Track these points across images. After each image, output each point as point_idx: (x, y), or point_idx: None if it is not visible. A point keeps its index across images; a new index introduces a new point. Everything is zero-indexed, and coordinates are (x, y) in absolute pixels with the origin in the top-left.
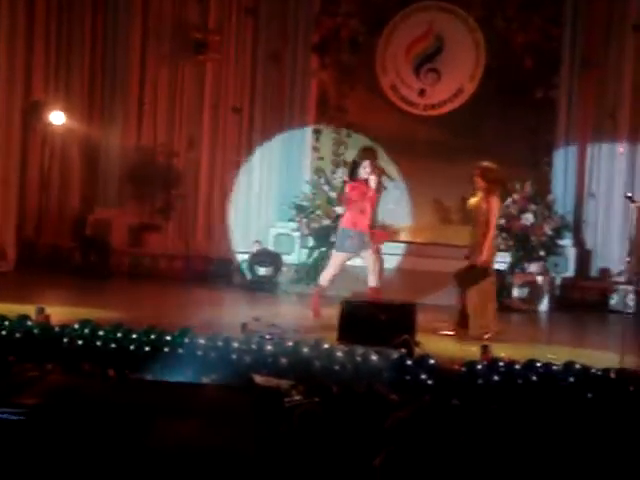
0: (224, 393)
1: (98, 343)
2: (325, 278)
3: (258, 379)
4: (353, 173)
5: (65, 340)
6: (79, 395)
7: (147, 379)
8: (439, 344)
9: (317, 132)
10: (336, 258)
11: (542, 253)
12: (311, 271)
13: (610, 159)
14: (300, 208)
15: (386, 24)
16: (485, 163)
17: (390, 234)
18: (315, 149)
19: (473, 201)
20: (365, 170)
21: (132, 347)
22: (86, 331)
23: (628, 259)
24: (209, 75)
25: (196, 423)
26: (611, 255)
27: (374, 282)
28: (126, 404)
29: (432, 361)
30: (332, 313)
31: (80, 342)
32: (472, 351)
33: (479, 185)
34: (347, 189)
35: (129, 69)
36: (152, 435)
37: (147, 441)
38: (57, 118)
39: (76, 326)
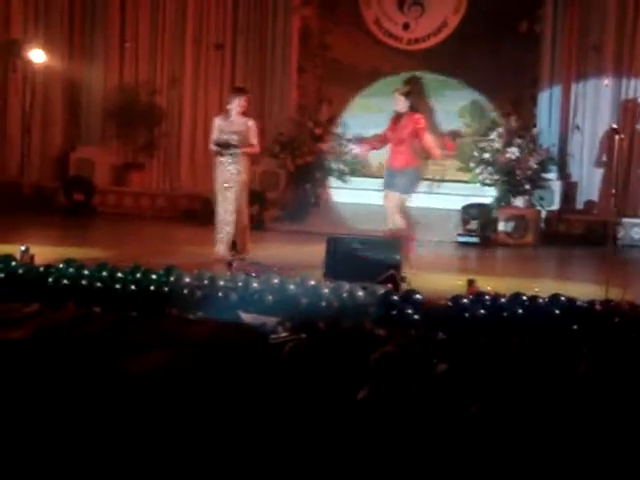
0: (206, 329)
1: (83, 282)
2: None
3: (245, 317)
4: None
5: (50, 280)
6: (61, 330)
7: (129, 314)
8: (425, 279)
9: (300, 69)
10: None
11: (527, 187)
12: (296, 207)
13: (595, 92)
14: (284, 145)
15: None
16: None
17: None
18: (299, 86)
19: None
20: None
21: (118, 286)
22: (71, 270)
23: (614, 191)
24: (190, 11)
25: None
26: (596, 188)
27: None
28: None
29: (418, 296)
30: (317, 250)
31: (65, 281)
32: (458, 285)
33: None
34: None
35: (109, 5)
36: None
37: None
38: (37, 56)
39: (61, 265)
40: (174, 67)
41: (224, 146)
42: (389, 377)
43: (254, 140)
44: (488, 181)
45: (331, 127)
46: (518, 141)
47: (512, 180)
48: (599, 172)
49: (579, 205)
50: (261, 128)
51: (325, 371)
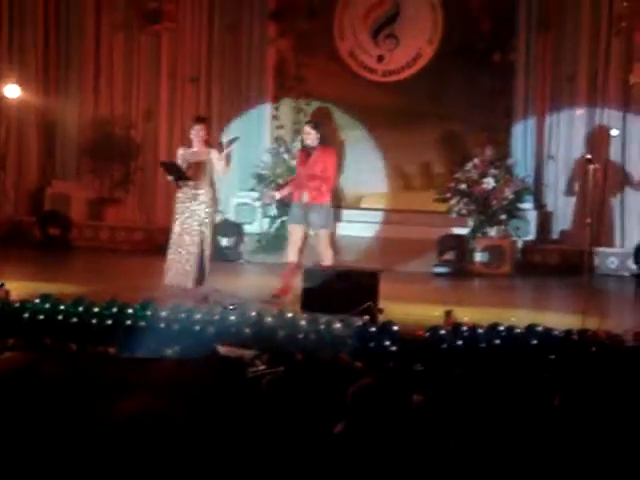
0: (179, 367)
1: (59, 317)
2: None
3: (222, 350)
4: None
5: (26, 315)
6: (33, 372)
7: (103, 354)
8: (402, 310)
9: (276, 101)
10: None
11: (503, 217)
12: (273, 241)
13: (569, 122)
14: (261, 177)
15: None
16: None
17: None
18: (275, 118)
19: None
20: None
21: (94, 321)
22: (47, 306)
23: (589, 220)
24: (165, 44)
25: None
26: (571, 217)
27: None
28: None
29: (395, 327)
30: (295, 282)
31: (41, 317)
32: (435, 316)
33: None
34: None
35: (84, 40)
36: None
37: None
38: (12, 91)
39: (37, 301)
40: (149, 100)
41: (177, 172)
42: (366, 410)
43: (216, 173)
44: (464, 211)
45: None
46: (493, 171)
47: (488, 210)
48: (574, 201)
49: (555, 235)
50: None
51: (302, 404)
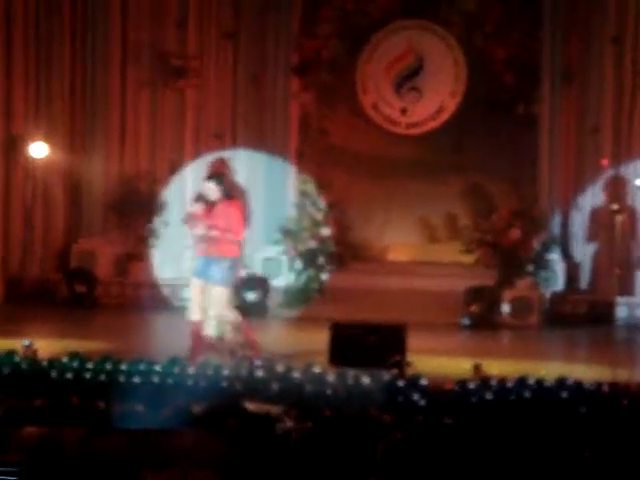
0: (198, 437)
1: (87, 376)
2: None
3: (249, 406)
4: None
5: (53, 374)
6: (59, 448)
7: (124, 429)
8: (431, 364)
9: (300, 154)
10: None
11: (530, 268)
12: (299, 294)
13: (594, 172)
14: (286, 231)
15: (366, 44)
16: None
17: None
18: (298, 172)
19: None
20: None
21: (121, 379)
22: (74, 364)
23: (617, 270)
24: (189, 100)
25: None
26: (598, 268)
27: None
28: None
29: (424, 381)
30: (321, 337)
31: (69, 375)
32: (464, 369)
33: None
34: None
35: (109, 97)
36: None
37: None
38: (39, 150)
39: (64, 359)
40: (174, 156)
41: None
42: (396, 465)
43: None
44: (490, 263)
45: (332, 212)
46: (519, 222)
47: (514, 262)
48: (601, 252)
49: (583, 285)
50: (261, 215)
51: (332, 460)
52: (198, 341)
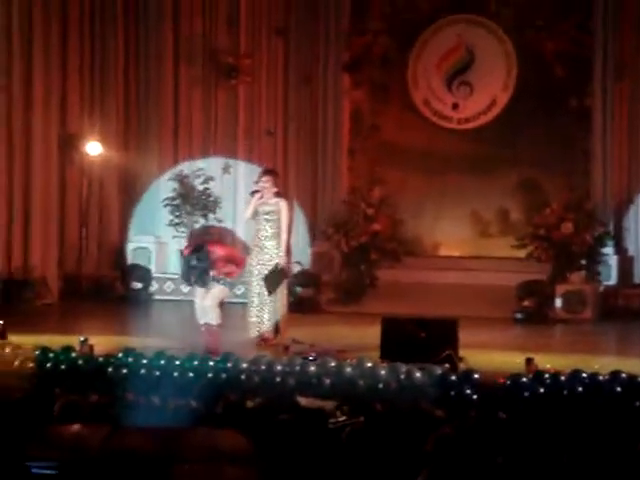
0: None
1: (142, 371)
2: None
3: (302, 401)
4: None
5: (109, 370)
6: (94, 444)
7: (159, 427)
8: (483, 358)
9: (352, 151)
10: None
11: (584, 262)
12: (351, 289)
13: None
14: (338, 226)
15: (416, 39)
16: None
17: None
18: (350, 168)
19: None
20: None
21: (175, 374)
22: (130, 360)
23: None
24: (242, 98)
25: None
26: None
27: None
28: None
29: (476, 375)
30: (373, 331)
31: (124, 371)
32: (517, 364)
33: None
34: None
35: (162, 95)
36: None
37: None
38: (94, 149)
39: (120, 355)
40: (226, 154)
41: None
42: (447, 460)
43: (284, 224)
44: (543, 257)
45: (384, 207)
46: (572, 216)
47: (568, 255)
48: None
49: (637, 279)
50: (312, 210)
51: (384, 454)
52: (215, 340)
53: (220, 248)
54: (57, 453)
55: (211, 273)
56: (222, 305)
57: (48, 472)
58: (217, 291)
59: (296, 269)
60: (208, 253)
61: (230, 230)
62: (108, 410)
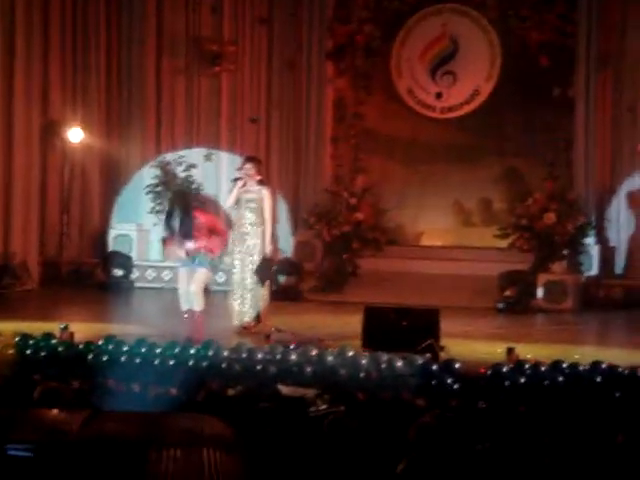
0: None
1: (123, 358)
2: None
3: (284, 389)
4: None
5: (90, 357)
6: (70, 428)
7: (133, 412)
8: (464, 348)
9: (335, 139)
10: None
11: (565, 252)
12: (333, 278)
13: (630, 155)
14: (320, 215)
15: (400, 28)
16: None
17: None
18: (333, 156)
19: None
20: None
21: (156, 361)
22: (110, 347)
23: None
24: (225, 86)
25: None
26: (635, 252)
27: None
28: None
29: (458, 365)
30: (355, 320)
31: (105, 358)
32: (498, 353)
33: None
34: None
35: (145, 82)
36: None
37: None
38: (75, 135)
39: (100, 342)
40: (209, 141)
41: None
42: (428, 449)
43: (267, 212)
44: (525, 247)
45: (367, 197)
46: (555, 206)
47: (550, 246)
48: (637, 236)
49: (618, 269)
50: (295, 199)
51: (364, 443)
52: (198, 327)
53: (204, 216)
54: (34, 436)
55: (192, 242)
56: (205, 292)
57: (24, 454)
58: (201, 275)
59: (282, 255)
60: (193, 218)
61: (216, 201)
62: (88, 397)
